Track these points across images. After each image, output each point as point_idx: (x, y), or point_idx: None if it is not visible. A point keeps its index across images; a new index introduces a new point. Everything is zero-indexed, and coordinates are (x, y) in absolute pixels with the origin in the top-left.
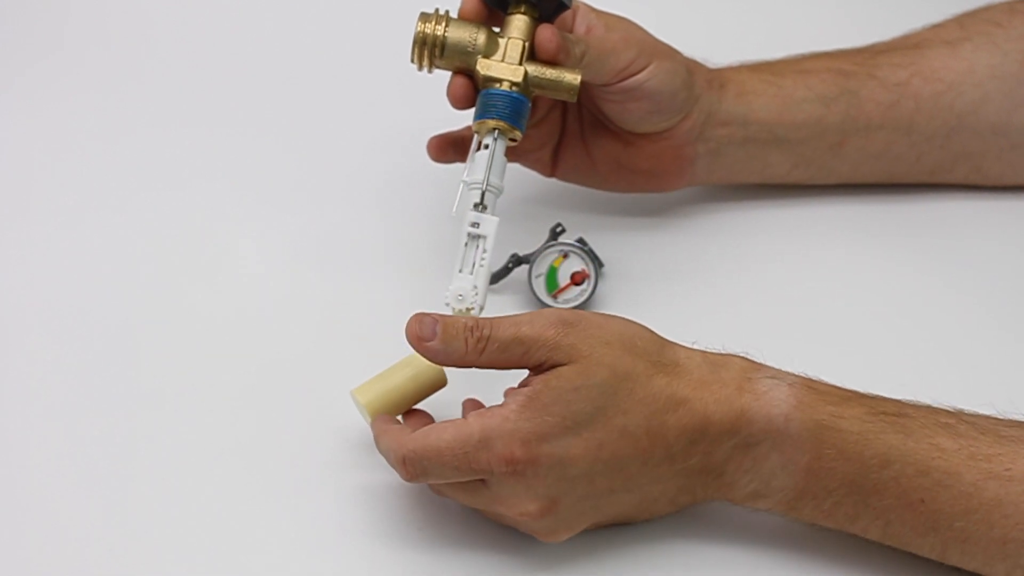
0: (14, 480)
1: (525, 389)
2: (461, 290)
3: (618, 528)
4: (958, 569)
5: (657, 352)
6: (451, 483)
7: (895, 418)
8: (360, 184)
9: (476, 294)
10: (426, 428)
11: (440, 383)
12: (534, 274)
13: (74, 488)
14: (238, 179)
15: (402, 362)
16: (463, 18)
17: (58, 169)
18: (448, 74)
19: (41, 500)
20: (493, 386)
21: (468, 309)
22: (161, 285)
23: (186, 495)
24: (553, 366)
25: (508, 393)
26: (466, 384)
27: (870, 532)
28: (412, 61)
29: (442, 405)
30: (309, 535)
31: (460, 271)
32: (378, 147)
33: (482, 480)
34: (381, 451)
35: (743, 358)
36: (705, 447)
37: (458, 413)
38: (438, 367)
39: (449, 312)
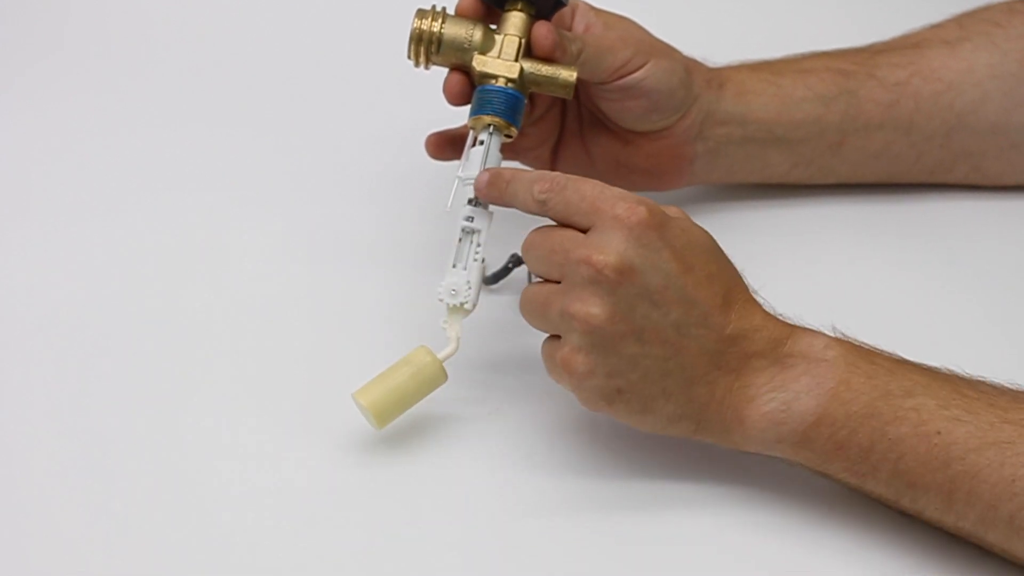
0: (12, 479)
1: None
2: (454, 285)
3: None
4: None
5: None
6: (554, 232)
7: (921, 365)
8: (357, 181)
9: (469, 289)
10: None
11: (440, 379)
12: (534, 274)
13: (71, 487)
14: (235, 177)
15: (401, 361)
16: (460, 15)
17: (56, 168)
18: (444, 70)
19: (37, 499)
20: (498, 386)
21: (461, 304)
22: (159, 283)
23: (184, 494)
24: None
25: None
26: (466, 381)
27: (880, 470)
28: (409, 57)
29: (442, 402)
30: (308, 533)
31: (454, 266)
32: (375, 144)
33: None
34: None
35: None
36: (747, 348)
37: (456, 409)
38: (438, 364)
39: (443, 308)
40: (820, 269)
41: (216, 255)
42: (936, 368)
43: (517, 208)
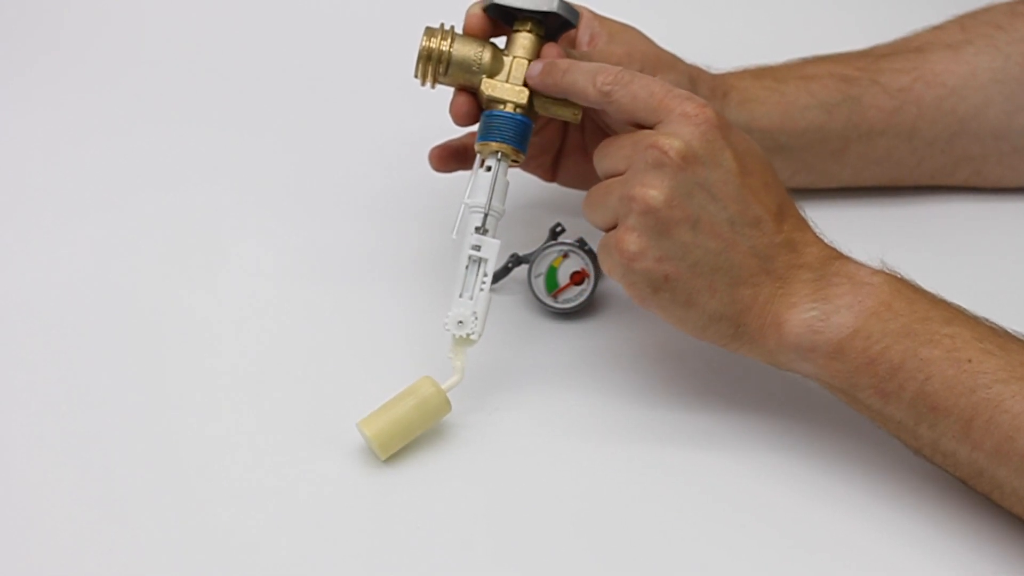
0: (12, 482)
1: None
2: (461, 316)
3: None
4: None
5: None
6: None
7: (965, 309)
8: (358, 194)
9: (476, 320)
10: None
11: (444, 411)
12: (534, 274)
13: (63, 489)
14: (236, 186)
15: (406, 391)
16: (468, 33)
17: (54, 169)
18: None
19: (37, 501)
20: (499, 386)
21: (468, 336)
22: (156, 289)
23: (180, 501)
24: None
25: None
26: (470, 411)
27: (905, 389)
28: (416, 76)
29: (445, 428)
30: (314, 537)
31: (460, 296)
32: (376, 156)
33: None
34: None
35: None
36: (795, 259)
37: (457, 409)
38: (443, 396)
39: (448, 338)
40: None
41: (214, 263)
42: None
43: (574, 98)
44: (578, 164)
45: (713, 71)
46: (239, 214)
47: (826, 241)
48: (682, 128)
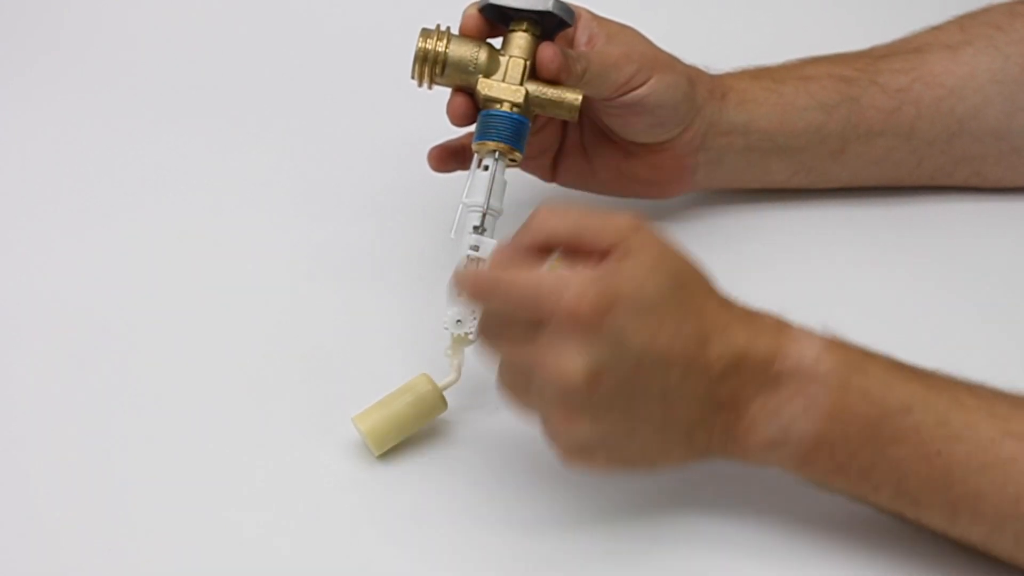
0: (15, 483)
1: (603, 264)
2: (460, 315)
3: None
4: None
5: (712, 282)
6: (505, 328)
7: (917, 372)
8: (356, 193)
9: (474, 319)
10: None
11: (440, 409)
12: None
13: (63, 488)
14: (236, 185)
15: (402, 388)
16: (464, 34)
17: (54, 169)
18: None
19: (32, 500)
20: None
21: (467, 335)
22: (156, 288)
23: (181, 503)
24: (625, 251)
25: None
26: (470, 409)
27: (882, 489)
28: (412, 78)
29: (442, 425)
30: (301, 535)
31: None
32: (375, 156)
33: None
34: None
35: (773, 314)
36: (738, 381)
37: (457, 432)
38: (438, 393)
39: (447, 336)
40: (819, 271)
41: (215, 264)
42: (933, 373)
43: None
44: (577, 164)
45: (712, 72)
46: (238, 213)
47: (754, 316)
48: (569, 337)
